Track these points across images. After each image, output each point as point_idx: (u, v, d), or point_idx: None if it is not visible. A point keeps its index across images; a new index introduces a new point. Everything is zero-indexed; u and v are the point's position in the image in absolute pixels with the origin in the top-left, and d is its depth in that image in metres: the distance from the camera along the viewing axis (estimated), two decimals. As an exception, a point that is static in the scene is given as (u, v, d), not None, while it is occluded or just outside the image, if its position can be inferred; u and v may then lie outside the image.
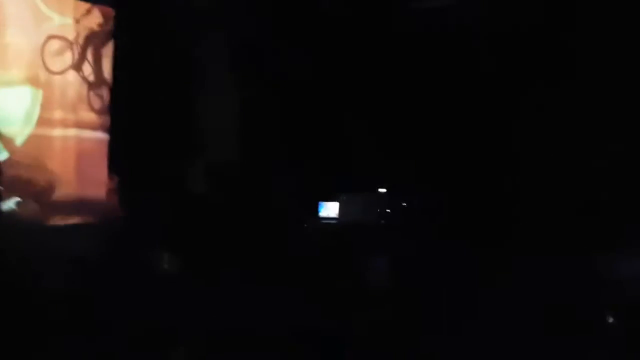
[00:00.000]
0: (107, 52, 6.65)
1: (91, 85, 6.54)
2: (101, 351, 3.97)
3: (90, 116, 6.54)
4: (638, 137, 5.74)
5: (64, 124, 6.34)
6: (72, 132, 6.39)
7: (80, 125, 6.45)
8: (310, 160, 6.71)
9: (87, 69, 6.54)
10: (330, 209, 6.97)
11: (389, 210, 7.05)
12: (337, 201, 6.94)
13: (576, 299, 4.59)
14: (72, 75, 6.43)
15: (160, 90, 6.24)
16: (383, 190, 7.19)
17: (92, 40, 6.53)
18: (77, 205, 6.24)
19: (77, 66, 6.45)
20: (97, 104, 6.59)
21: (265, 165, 6.57)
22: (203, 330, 4.45)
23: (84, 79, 6.49)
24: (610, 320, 4.43)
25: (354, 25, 6.74)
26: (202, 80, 6.54)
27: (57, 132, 6.27)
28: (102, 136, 6.61)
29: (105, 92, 6.66)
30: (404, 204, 7.32)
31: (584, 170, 5.94)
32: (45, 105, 6.18)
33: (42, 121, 6.17)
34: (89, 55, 6.52)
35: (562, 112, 6.10)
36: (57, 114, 6.29)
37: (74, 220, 6.16)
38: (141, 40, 6.23)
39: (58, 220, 6.05)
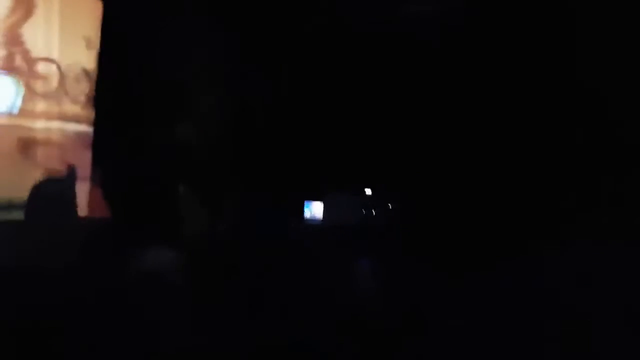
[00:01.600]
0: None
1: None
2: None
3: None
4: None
5: None
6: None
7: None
8: (297, 159, 6.67)
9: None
10: (315, 209, 6.94)
11: (374, 211, 7.05)
12: (323, 201, 6.93)
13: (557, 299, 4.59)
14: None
15: (146, 87, 6.14)
16: (369, 190, 7.18)
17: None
18: None
19: None
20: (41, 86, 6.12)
21: (254, 162, 6.53)
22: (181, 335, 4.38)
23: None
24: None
25: (338, 28, 6.74)
26: (190, 76, 6.47)
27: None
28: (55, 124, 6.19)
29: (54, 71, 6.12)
30: (390, 205, 7.32)
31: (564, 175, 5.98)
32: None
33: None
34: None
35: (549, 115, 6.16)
36: None
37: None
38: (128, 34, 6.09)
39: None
